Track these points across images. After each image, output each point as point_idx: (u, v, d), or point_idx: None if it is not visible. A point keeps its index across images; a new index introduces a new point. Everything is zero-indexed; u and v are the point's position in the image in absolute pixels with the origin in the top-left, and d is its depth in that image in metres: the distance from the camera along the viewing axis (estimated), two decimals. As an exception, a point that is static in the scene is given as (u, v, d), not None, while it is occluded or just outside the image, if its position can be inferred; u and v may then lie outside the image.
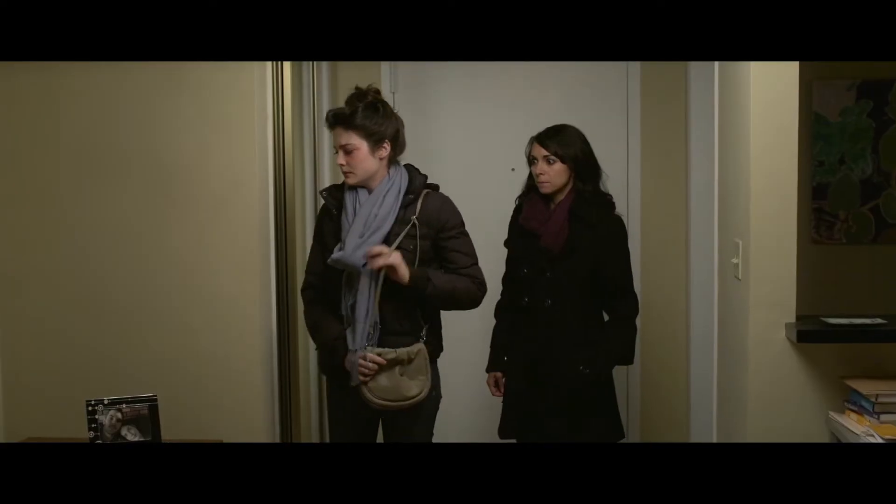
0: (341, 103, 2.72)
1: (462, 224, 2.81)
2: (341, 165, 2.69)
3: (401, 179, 2.74)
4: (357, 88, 2.70)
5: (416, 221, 2.69)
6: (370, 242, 2.64)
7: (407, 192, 2.72)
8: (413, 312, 2.73)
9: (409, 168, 2.79)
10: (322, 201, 2.83)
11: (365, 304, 2.67)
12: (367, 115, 2.66)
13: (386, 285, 2.67)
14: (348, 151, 2.67)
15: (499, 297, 3.24)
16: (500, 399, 3.19)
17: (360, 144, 2.66)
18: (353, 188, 2.72)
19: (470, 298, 2.77)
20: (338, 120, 2.67)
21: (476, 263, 2.81)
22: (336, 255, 2.66)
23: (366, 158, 2.68)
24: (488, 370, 3.23)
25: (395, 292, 2.68)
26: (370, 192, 2.71)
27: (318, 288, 2.81)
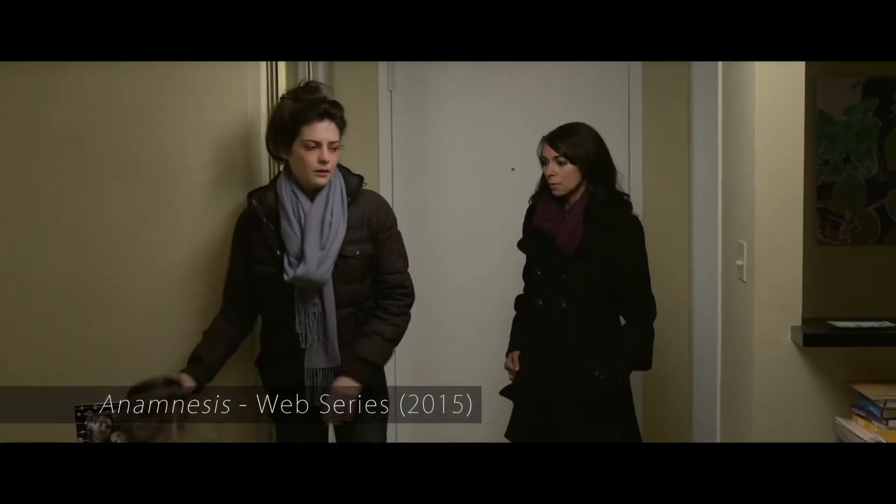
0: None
1: (396, 222, 2.71)
2: (325, 163, 2.52)
3: (339, 181, 2.61)
4: (309, 83, 2.63)
5: (360, 224, 2.60)
6: (332, 254, 2.53)
7: (348, 194, 2.60)
8: (369, 314, 2.66)
9: (340, 167, 2.65)
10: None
11: (333, 316, 2.56)
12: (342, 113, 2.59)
13: (341, 292, 2.58)
14: (334, 149, 2.55)
15: (520, 293, 3.22)
16: (504, 399, 3.15)
17: (340, 143, 2.57)
18: (293, 192, 2.57)
19: (402, 333, 2.68)
20: (330, 115, 2.54)
21: (407, 267, 2.71)
22: (299, 271, 2.51)
23: (338, 158, 2.59)
24: (507, 354, 3.18)
25: (350, 298, 2.61)
26: (309, 196, 2.57)
27: (241, 308, 2.67)
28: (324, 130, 2.53)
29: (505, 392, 3.13)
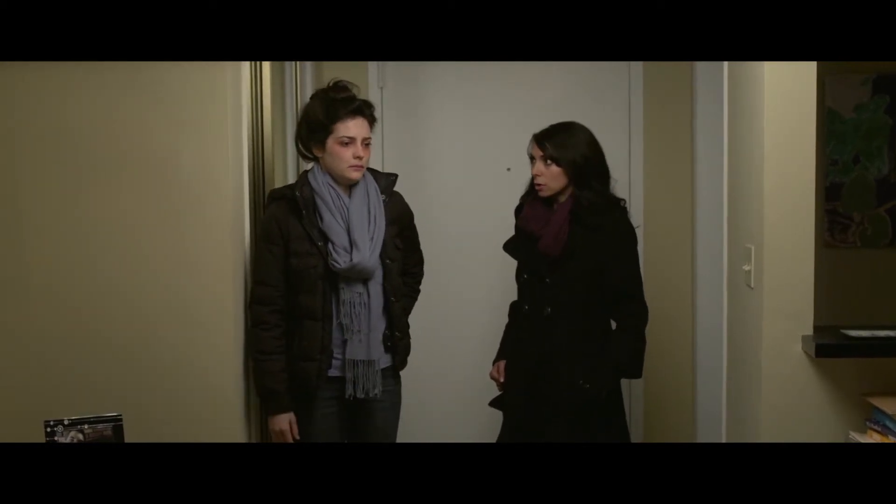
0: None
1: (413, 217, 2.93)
2: (359, 158, 2.66)
3: (370, 178, 2.76)
4: (337, 83, 2.74)
5: (395, 220, 2.78)
6: (378, 244, 2.67)
7: (381, 192, 2.75)
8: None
9: (367, 168, 2.79)
10: (265, 205, 2.83)
11: (378, 307, 2.68)
12: None
13: (395, 284, 2.72)
14: (367, 145, 2.69)
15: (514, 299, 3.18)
16: (494, 406, 3.10)
17: (371, 139, 2.72)
18: (330, 186, 2.70)
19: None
20: (363, 111, 2.68)
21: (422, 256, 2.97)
22: (355, 259, 2.62)
23: (370, 153, 2.74)
24: (494, 362, 3.14)
25: (401, 290, 2.78)
26: (345, 192, 2.71)
27: (281, 310, 2.71)
28: (357, 127, 2.67)
29: (494, 403, 3.08)
